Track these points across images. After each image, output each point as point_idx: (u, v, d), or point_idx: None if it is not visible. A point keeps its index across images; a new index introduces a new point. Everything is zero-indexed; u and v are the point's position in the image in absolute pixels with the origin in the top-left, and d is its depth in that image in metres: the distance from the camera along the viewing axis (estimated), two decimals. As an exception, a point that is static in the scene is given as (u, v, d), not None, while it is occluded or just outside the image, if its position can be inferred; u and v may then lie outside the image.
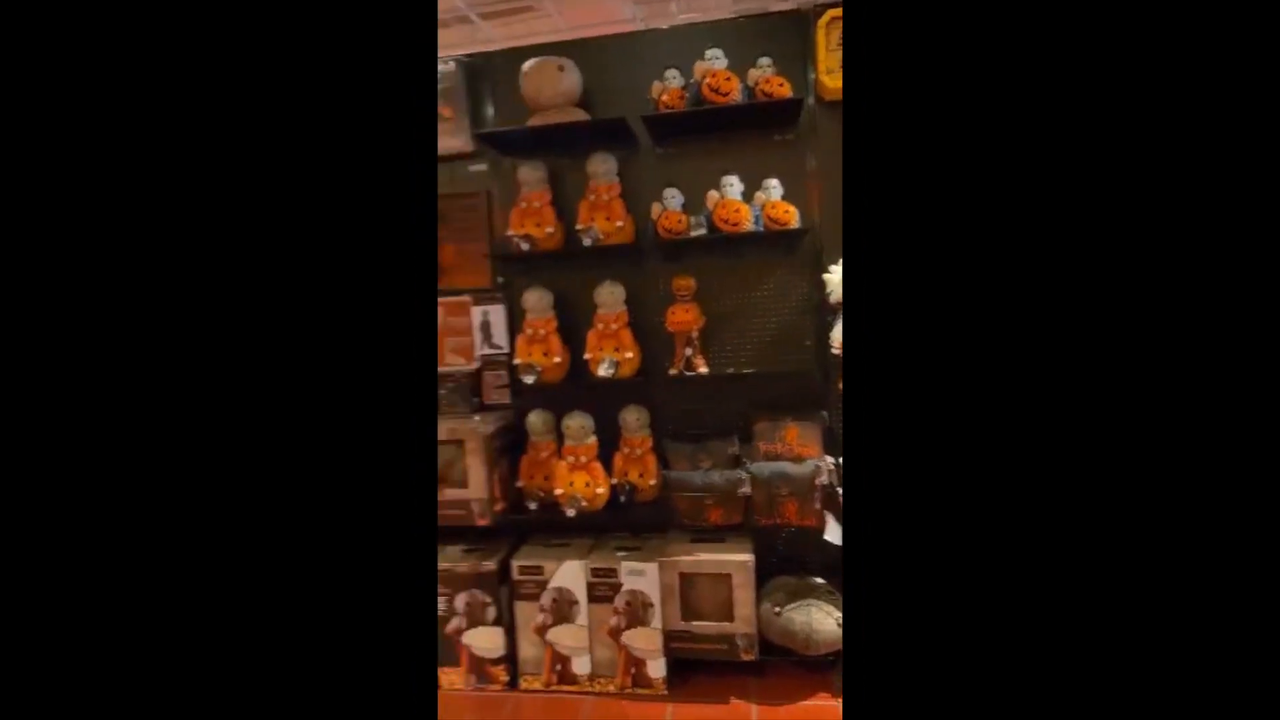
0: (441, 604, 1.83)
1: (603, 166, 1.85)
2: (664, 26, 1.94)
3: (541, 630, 1.80)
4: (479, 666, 1.84)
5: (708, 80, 1.72)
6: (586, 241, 1.80)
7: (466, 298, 1.99)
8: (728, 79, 1.71)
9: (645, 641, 1.75)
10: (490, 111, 1.98)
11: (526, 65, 1.82)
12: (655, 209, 1.83)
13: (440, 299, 2.01)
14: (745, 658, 1.73)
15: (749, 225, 1.77)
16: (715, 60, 1.76)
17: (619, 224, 1.82)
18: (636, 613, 1.75)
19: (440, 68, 1.93)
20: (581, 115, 1.85)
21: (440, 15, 3.96)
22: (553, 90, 1.80)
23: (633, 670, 1.76)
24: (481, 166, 1.98)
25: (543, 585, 1.79)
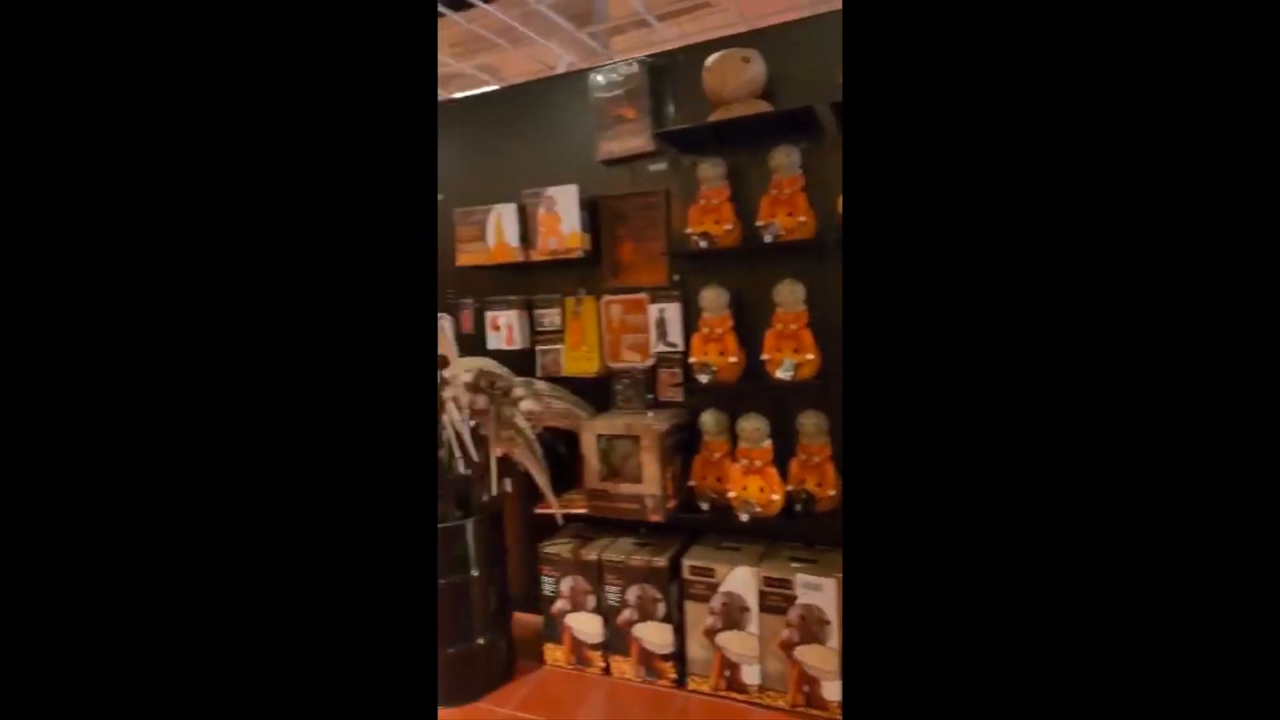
0: (614, 594, 1.88)
1: (786, 159, 1.77)
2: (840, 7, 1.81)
3: (711, 633, 1.78)
4: (648, 660, 1.87)
5: (909, 58, 1.57)
6: (767, 238, 1.74)
7: (643, 295, 2.02)
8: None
9: (820, 660, 1.66)
10: (671, 110, 1.98)
11: (710, 59, 1.79)
12: (840, 202, 1.72)
13: (617, 296, 2.06)
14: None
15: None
16: (917, 35, 1.60)
17: (801, 219, 1.73)
18: (811, 629, 1.66)
19: (625, 70, 1.96)
20: (765, 107, 1.78)
21: (615, 20, 4.09)
22: (736, 82, 1.76)
23: (805, 689, 1.68)
24: (661, 165, 1.99)
25: (713, 588, 1.77)
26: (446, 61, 4.56)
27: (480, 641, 1.87)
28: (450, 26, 4.01)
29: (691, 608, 1.81)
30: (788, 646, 1.69)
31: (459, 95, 2.89)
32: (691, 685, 1.82)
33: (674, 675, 1.84)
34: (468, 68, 4.67)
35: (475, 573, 1.86)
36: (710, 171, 1.85)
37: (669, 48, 2.07)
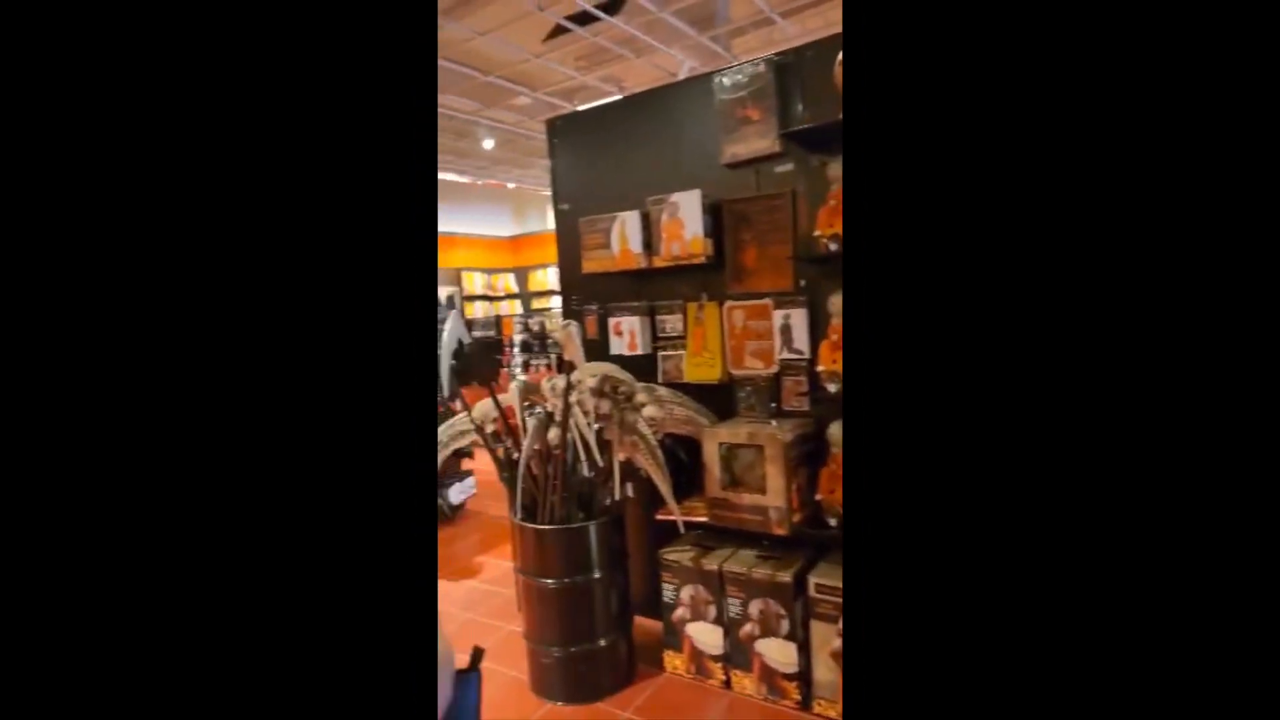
0: (735, 606, 1.84)
1: (927, 153, 1.64)
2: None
3: (838, 656, 1.69)
4: (770, 677, 1.81)
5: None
6: (905, 238, 1.63)
7: (767, 301, 1.96)
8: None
9: (964, 697, 1.52)
10: (799, 108, 1.91)
11: (843, 53, 1.71)
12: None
13: (740, 302, 2.01)
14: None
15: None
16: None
17: (945, 217, 1.60)
18: (954, 661, 1.53)
19: (750, 70, 1.92)
20: (903, 99, 1.67)
21: (737, 22, 4.03)
22: (872, 76, 1.66)
23: (946, 726, 1.55)
24: (788, 166, 1.93)
25: (841, 608, 1.68)
26: (571, 75, 4.74)
27: (602, 643, 1.91)
28: (575, 40, 4.16)
29: (817, 627, 1.73)
30: (926, 679, 1.57)
31: (583, 107, 2.98)
32: (817, 709, 1.74)
33: (798, 696, 1.77)
34: (592, 79, 4.83)
35: (597, 575, 1.89)
36: (840, 171, 1.76)
37: (789, 45, 2.00)
